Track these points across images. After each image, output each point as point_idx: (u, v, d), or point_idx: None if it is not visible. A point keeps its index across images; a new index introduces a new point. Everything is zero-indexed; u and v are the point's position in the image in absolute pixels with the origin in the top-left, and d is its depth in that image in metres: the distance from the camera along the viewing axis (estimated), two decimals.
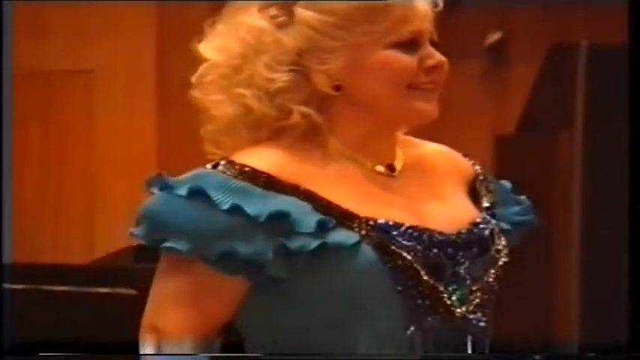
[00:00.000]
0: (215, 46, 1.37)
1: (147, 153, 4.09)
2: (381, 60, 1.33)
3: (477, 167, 1.48)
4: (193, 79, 1.38)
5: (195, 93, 1.38)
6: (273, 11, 1.34)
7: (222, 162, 1.32)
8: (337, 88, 1.34)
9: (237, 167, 1.31)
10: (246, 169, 1.31)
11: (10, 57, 3.48)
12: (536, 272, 4.16)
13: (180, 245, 1.27)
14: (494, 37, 4.72)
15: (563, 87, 4.15)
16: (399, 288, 1.29)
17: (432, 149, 1.46)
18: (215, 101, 1.36)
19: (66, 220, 4.31)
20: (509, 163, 4.43)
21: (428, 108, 1.37)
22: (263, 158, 1.32)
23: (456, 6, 4.68)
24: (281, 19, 1.34)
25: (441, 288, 1.31)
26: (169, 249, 1.28)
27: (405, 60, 1.34)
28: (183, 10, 3.53)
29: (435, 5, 1.39)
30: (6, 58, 3.38)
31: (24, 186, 4.09)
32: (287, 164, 1.32)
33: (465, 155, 1.49)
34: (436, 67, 1.37)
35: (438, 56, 1.37)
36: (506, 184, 1.52)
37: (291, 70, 1.33)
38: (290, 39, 1.33)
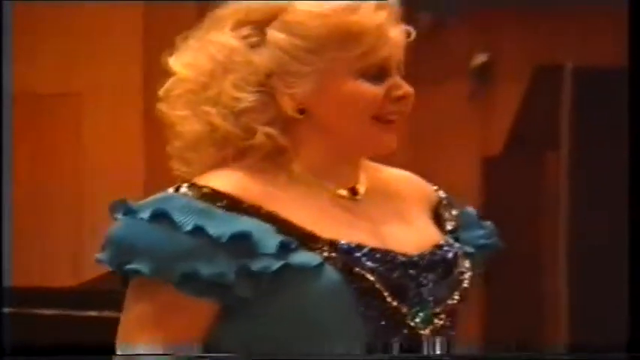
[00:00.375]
0: (185, 62, 1.37)
1: (135, 174, 4.10)
2: (349, 89, 1.33)
3: (441, 192, 1.49)
4: (160, 93, 1.38)
5: (162, 107, 1.38)
6: (245, 31, 1.34)
7: (185, 185, 1.32)
8: (302, 111, 1.34)
9: (199, 189, 1.31)
10: (209, 191, 1.31)
11: (10, 57, 3.49)
12: (525, 291, 4.17)
13: (143, 267, 1.27)
14: (481, 58, 4.75)
15: (548, 108, 4.18)
16: (362, 309, 1.29)
17: (396, 175, 1.47)
18: (181, 117, 1.36)
19: (53, 242, 4.31)
20: (497, 183, 4.45)
21: (388, 140, 1.37)
22: (225, 180, 1.32)
23: (442, 27, 4.72)
24: (253, 39, 1.33)
25: (404, 309, 1.31)
26: (132, 271, 1.28)
27: (372, 91, 1.34)
28: (170, 35, 3.53)
29: (408, 35, 1.38)
30: (6, 58, 3.39)
31: (12, 208, 4.08)
32: (250, 186, 1.32)
33: (429, 181, 1.50)
34: (403, 97, 1.37)
35: (406, 87, 1.37)
36: (471, 209, 1.51)
37: (258, 91, 1.33)
38: (260, 60, 1.33)
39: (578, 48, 4.52)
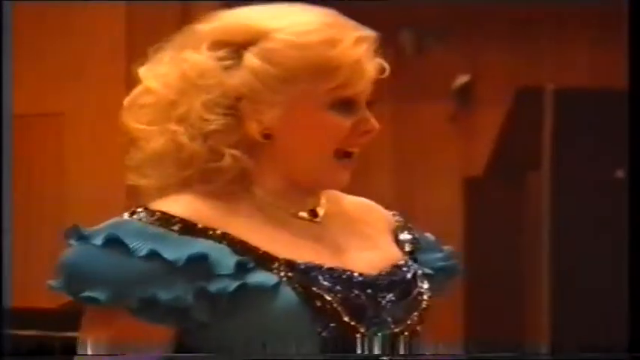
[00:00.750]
0: (156, 74, 1.35)
1: (117, 195, 4.08)
2: (317, 120, 1.33)
3: (398, 217, 1.49)
4: (126, 102, 1.37)
5: (126, 117, 1.36)
6: (222, 53, 1.33)
7: (139, 209, 1.31)
8: (267, 136, 1.33)
9: (153, 214, 1.30)
10: (162, 215, 1.30)
11: (10, 57, 3.48)
12: (508, 312, 4.18)
13: (99, 295, 1.26)
14: (462, 80, 4.77)
15: (530, 129, 4.20)
16: (320, 329, 1.29)
17: (355, 201, 1.46)
18: (145, 131, 1.34)
19: (34, 263, 4.29)
20: (478, 204, 4.46)
21: (342, 178, 1.36)
22: (179, 204, 1.31)
23: (425, 48, 4.74)
24: (228, 61, 1.32)
25: (362, 329, 1.31)
26: (88, 299, 1.27)
27: (339, 123, 1.33)
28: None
29: (383, 71, 1.37)
30: (6, 58, 3.38)
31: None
32: (204, 209, 1.31)
33: (386, 207, 1.50)
34: (369, 132, 1.36)
35: (373, 122, 1.35)
36: (430, 235, 1.51)
37: (227, 114, 1.32)
38: (232, 83, 1.31)
39: (559, 70, 4.55)
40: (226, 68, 1.32)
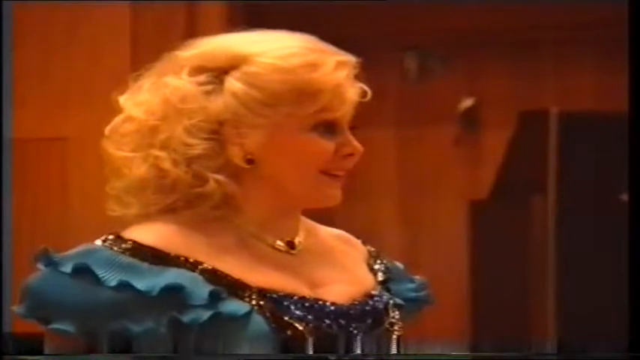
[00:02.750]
0: (137, 101, 1.34)
1: (120, 221, 4.08)
2: (300, 143, 1.32)
3: (370, 247, 1.48)
4: (107, 131, 1.36)
5: (107, 145, 1.35)
6: (203, 78, 1.32)
7: (111, 237, 1.30)
8: (250, 161, 1.32)
9: (124, 243, 1.29)
10: (133, 244, 1.28)
11: (10, 56, 3.48)
12: (514, 335, 4.16)
13: (67, 326, 1.24)
14: (467, 103, 4.77)
15: (535, 152, 4.19)
16: (291, 358, 1.27)
17: (332, 232, 1.46)
18: (127, 158, 1.33)
19: None
20: (484, 227, 4.45)
21: (335, 194, 1.35)
22: (150, 233, 1.30)
23: (429, 72, 4.74)
24: (209, 86, 1.32)
25: (333, 359, 1.30)
26: (56, 330, 1.25)
27: (323, 146, 1.32)
28: None
29: (364, 94, 1.36)
30: (6, 60, 3.38)
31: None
32: (176, 237, 1.30)
33: (358, 238, 1.49)
34: (352, 155, 1.35)
35: (355, 144, 1.35)
36: (400, 265, 1.51)
37: (210, 138, 1.31)
38: (214, 107, 1.31)
39: (564, 93, 4.55)
40: (207, 93, 1.31)
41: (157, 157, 1.31)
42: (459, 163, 4.82)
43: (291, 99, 1.30)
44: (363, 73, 1.35)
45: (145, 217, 1.33)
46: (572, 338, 4.00)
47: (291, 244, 1.36)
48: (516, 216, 4.28)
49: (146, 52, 4.05)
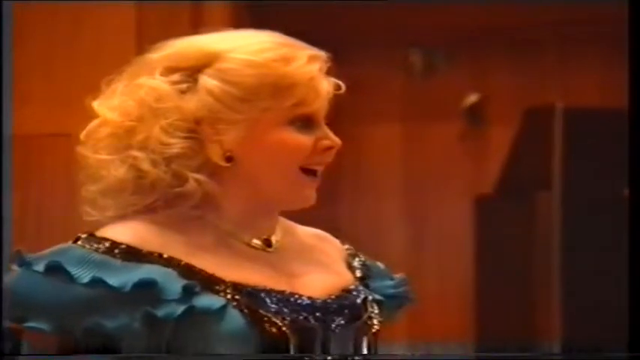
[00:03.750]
0: (111, 105, 1.34)
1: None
2: (278, 138, 1.32)
3: (348, 246, 1.48)
4: (82, 136, 1.35)
5: (83, 150, 1.35)
6: (176, 77, 1.31)
7: (83, 236, 1.30)
8: (229, 159, 1.31)
9: (96, 240, 1.28)
10: (106, 242, 1.28)
11: (10, 56, 3.48)
12: (518, 335, 4.17)
13: (42, 324, 1.24)
14: (472, 99, 4.77)
15: (540, 148, 4.20)
16: (267, 352, 1.27)
17: (309, 231, 1.46)
18: (105, 161, 1.32)
19: None
20: (489, 223, 4.45)
21: (311, 195, 1.35)
22: (123, 230, 1.30)
23: (434, 69, 4.74)
24: (183, 85, 1.31)
25: (311, 352, 1.29)
26: (32, 329, 1.25)
27: (301, 140, 1.32)
28: None
29: (338, 88, 1.35)
30: (6, 60, 3.38)
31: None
32: (149, 235, 1.29)
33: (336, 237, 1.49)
34: (330, 148, 1.34)
35: (333, 137, 1.34)
36: (380, 264, 1.50)
37: (187, 137, 1.30)
38: (190, 106, 1.30)
39: (569, 89, 4.55)
40: (182, 92, 1.31)
41: (135, 158, 1.31)
42: (464, 158, 4.82)
43: (267, 93, 1.30)
44: (334, 69, 1.36)
45: (121, 219, 1.33)
46: (576, 333, 4.00)
47: (267, 242, 1.36)
48: (521, 211, 4.28)
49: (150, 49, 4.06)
